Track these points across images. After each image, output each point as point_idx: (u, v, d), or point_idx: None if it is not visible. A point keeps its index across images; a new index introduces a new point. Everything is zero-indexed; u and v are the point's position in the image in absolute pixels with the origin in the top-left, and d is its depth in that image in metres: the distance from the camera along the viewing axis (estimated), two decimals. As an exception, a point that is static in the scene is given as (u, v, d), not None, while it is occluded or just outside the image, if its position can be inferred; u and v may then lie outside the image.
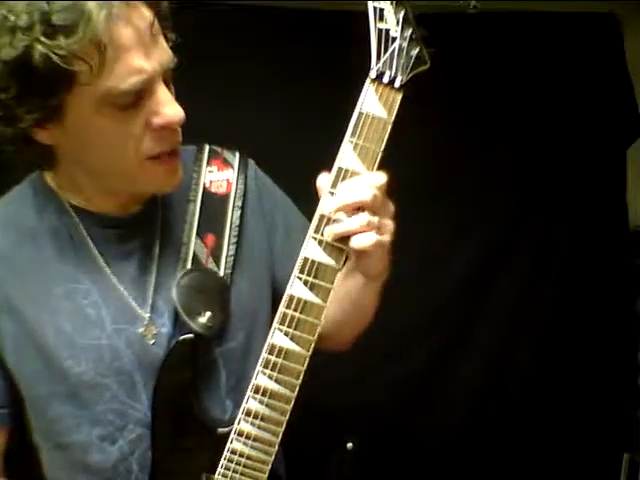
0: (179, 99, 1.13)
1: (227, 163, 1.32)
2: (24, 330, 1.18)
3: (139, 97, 1.05)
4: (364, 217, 1.05)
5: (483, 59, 2.56)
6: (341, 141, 1.09)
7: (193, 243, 1.23)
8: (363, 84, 1.09)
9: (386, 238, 1.09)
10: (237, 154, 1.34)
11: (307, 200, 1.42)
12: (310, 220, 1.25)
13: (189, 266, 1.22)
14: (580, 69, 2.65)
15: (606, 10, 2.64)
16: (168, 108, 1.07)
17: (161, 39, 1.07)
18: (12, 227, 1.21)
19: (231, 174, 1.30)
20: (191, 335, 1.19)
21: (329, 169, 1.10)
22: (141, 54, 1.02)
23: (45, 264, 1.19)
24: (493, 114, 2.62)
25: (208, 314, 1.19)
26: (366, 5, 1.06)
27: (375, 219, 1.05)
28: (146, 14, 1.03)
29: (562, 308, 2.74)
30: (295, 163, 2.08)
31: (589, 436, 2.74)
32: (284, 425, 1.15)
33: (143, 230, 1.24)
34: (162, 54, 1.06)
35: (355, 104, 1.09)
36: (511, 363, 2.77)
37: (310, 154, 2.33)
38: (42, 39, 0.95)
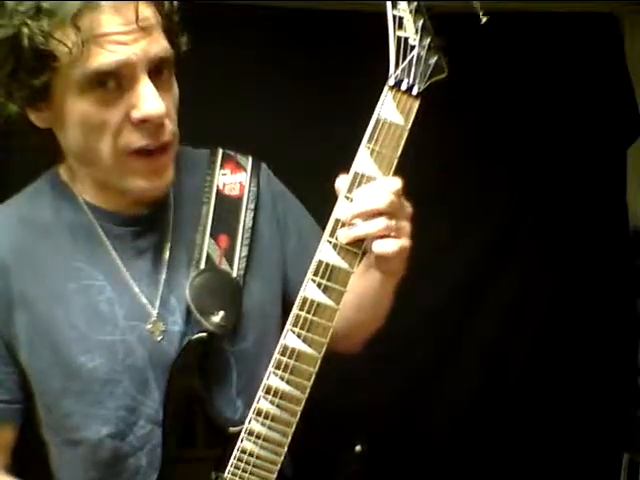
0: (182, 100, 1.14)
1: (240, 166, 1.34)
2: (39, 325, 1.19)
3: (119, 85, 1.08)
4: (382, 221, 1.07)
5: (482, 59, 2.55)
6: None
7: (207, 244, 1.25)
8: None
9: (405, 240, 1.11)
10: (250, 158, 1.36)
11: (310, 201, 1.44)
12: (319, 223, 1.26)
13: (202, 266, 1.24)
14: (580, 69, 2.64)
15: (606, 10, 2.64)
16: (148, 102, 1.09)
17: (156, 33, 1.10)
18: (29, 223, 1.23)
19: (244, 177, 1.33)
20: (205, 334, 1.21)
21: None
22: (121, 40, 1.05)
23: (61, 260, 1.21)
24: (492, 114, 2.61)
25: (221, 313, 1.21)
26: (385, 14, 1.08)
27: (393, 222, 1.08)
28: (140, 7, 1.06)
29: (562, 308, 2.74)
30: (297, 164, 2.08)
31: (589, 436, 2.74)
32: (294, 426, 1.17)
33: (155, 229, 1.26)
34: (150, 46, 1.08)
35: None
36: (510, 363, 2.77)
37: (312, 155, 2.37)
38: (28, 21, 1.02)
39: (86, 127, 1.11)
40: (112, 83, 1.07)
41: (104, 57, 1.04)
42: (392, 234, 1.08)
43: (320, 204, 1.38)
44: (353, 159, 1.11)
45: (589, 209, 2.72)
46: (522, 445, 2.73)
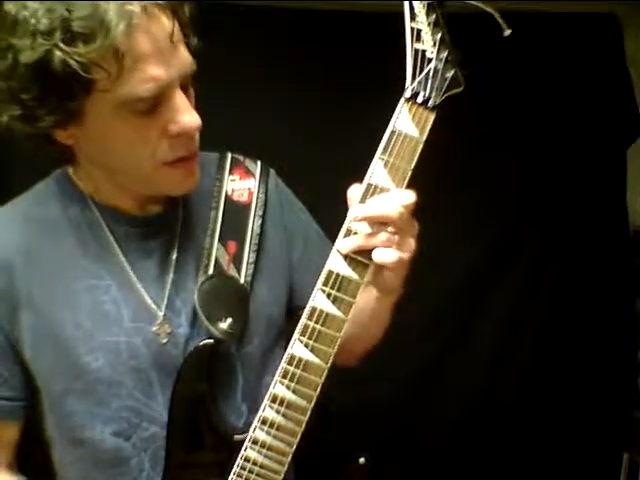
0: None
1: (249, 172, 1.34)
2: (43, 324, 1.19)
3: (156, 104, 1.06)
4: (384, 234, 1.07)
5: (482, 59, 2.53)
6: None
7: (215, 249, 1.25)
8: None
9: (406, 256, 1.10)
10: (259, 163, 1.36)
11: (312, 203, 1.43)
12: (323, 226, 1.25)
13: (211, 272, 1.23)
14: (580, 69, 2.64)
15: (606, 10, 2.63)
16: (185, 116, 1.09)
17: (181, 47, 1.08)
18: (36, 221, 1.23)
19: (253, 183, 1.32)
20: (211, 340, 1.20)
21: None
22: (158, 63, 1.03)
23: (67, 259, 1.21)
24: (492, 114, 2.61)
25: (229, 320, 1.21)
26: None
27: (396, 236, 1.08)
28: (166, 23, 1.04)
29: (562, 308, 2.74)
30: (300, 167, 2.07)
31: (589, 436, 2.75)
32: (299, 436, 1.16)
33: (164, 230, 1.26)
34: (181, 62, 1.08)
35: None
36: (511, 363, 2.77)
37: (314, 157, 2.36)
38: (61, 45, 0.96)
39: (124, 147, 1.10)
40: (150, 104, 1.06)
41: (146, 83, 1.02)
42: (393, 246, 1.08)
43: (322, 206, 1.38)
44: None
45: (589, 209, 2.72)
46: (522, 445, 2.74)
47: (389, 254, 1.08)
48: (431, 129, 1.10)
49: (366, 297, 1.21)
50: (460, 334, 2.74)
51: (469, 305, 2.74)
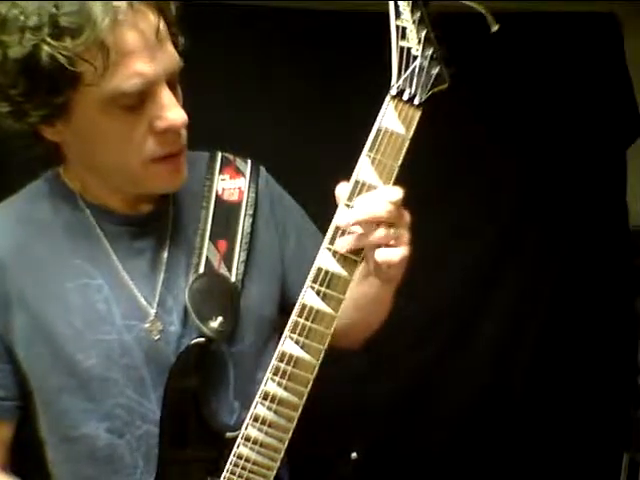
0: (185, 101, 1.15)
1: (239, 172, 1.34)
2: (36, 323, 1.20)
3: (142, 99, 1.08)
4: (381, 231, 1.07)
5: (482, 59, 2.54)
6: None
7: (206, 248, 1.26)
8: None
9: (404, 249, 1.11)
10: (249, 162, 1.37)
11: (309, 202, 1.44)
12: (318, 224, 1.25)
13: (202, 270, 1.24)
14: (580, 69, 2.64)
15: (606, 10, 2.63)
16: (171, 112, 1.10)
17: (168, 44, 1.10)
18: (28, 221, 1.24)
19: (243, 182, 1.33)
20: (203, 339, 1.21)
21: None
22: (144, 58, 1.05)
23: (59, 259, 1.21)
24: (492, 114, 2.60)
25: (220, 319, 1.21)
26: (386, 15, 1.08)
27: (392, 231, 1.08)
28: (152, 19, 1.06)
29: (562, 308, 2.74)
30: (296, 165, 2.08)
31: (589, 436, 2.74)
32: (291, 432, 1.17)
33: (154, 229, 1.26)
34: (167, 59, 1.09)
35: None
36: (511, 363, 2.77)
37: (311, 157, 2.37)
38: (49, 40, 0.99)
39: (110, 143, 1.11)
40: (136, 99, 1.07)
41: (131, 78, 1.04)
42: (392, 242, 1.08)
43: (319, 205, 1.38)
44: (352, 160, 1.11)
45: (589, 209, 2.72)
46: (523, 445, 2.74)
47: (390, 252, 1.08)
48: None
49: (368, 285, 1.23)
50: (460, 334, 2.74)
51: (469, 305, 2.73)
